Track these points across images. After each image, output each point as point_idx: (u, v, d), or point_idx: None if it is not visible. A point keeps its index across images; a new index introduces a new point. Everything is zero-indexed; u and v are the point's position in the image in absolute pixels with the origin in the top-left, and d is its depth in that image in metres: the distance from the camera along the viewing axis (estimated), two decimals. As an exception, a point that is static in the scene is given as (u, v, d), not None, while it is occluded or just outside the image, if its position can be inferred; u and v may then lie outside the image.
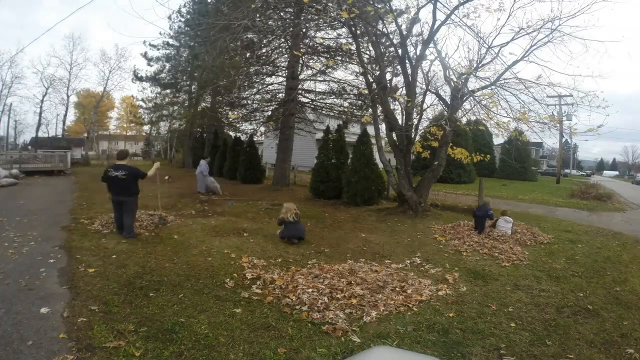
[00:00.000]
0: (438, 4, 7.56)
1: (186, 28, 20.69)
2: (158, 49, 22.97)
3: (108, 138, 58.27)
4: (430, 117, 12.22)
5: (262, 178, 17.25)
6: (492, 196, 13.78)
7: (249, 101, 16.35)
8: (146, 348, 2.63)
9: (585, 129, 6.75)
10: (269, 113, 16.33)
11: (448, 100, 8.36)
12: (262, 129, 18.68)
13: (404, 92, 9.05)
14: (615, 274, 4.78)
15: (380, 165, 9.93)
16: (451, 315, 3.36)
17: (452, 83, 8.03)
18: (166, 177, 11.12)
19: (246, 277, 4.24)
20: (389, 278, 4.27)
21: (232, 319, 3.14)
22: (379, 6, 7.88)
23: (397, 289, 3.95)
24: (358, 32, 9.15)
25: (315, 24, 11.62)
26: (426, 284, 4.13)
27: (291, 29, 11.18)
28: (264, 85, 15.82)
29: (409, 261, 5.09)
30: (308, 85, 15.44)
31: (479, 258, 5.33)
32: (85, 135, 47.61)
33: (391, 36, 9.34)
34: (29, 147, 38.77)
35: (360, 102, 14.36)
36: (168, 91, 23.42)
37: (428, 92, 8.89)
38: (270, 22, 11.58)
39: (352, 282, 4.07)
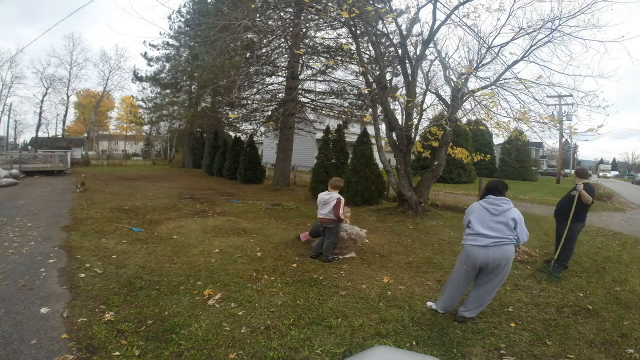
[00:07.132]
0: (438, 4, 7.54)
1: (186, 28, 20.65)
2: (158, 49, 22.96)
3: (108, 138, 58.43)
4: (430, 117, 12.23)
5: (262, 178, 17.26)
6: (492, 196, 13.77)
7: (249, 101, 16.35)
8: (146, 348, 2.63)
9: (586, 129, 6.73)
10: (269, 113, 16.33)
11: (448, 100, 8.35)
12: (262, 129, 18.68)
13: (404, 92, 9.04)
14: (615, 274, 4.78)
15: (380, 165, 9.92)
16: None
17: (452, 83, 8.02)
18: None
19: (246, 277, 4.23)
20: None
21: (232, 319, 3.15)
22: (379, 6, 7.87)
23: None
24: (358, 32, 9.15)
25: (315, 24, 11.61)
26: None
27: (291, 29, 11.17)
28: (264, 85, 15.82)
29: (409, 261, 5.09)
30: (308, 85, 15.44)
31: (479, 258, 5.32)
32: (85, 135, 47.64)
33: (391, 36, 9.33)
34: (29, 147, 38.86)
35: (360, 102, 14.35)
36: (168, 91, 23.37)
37: (428, 92, 8.87)
38: (270, 22, 11.57)
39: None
